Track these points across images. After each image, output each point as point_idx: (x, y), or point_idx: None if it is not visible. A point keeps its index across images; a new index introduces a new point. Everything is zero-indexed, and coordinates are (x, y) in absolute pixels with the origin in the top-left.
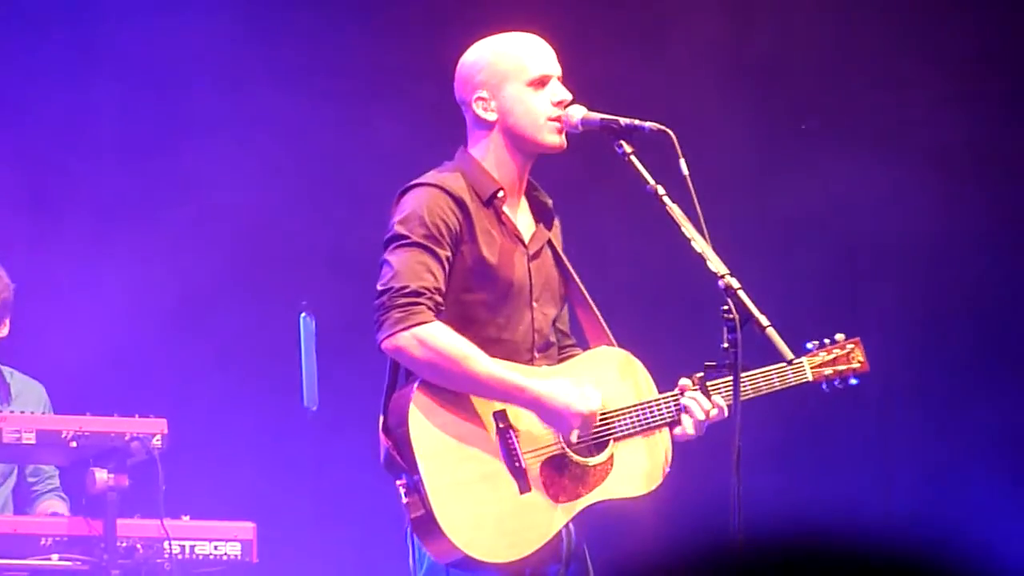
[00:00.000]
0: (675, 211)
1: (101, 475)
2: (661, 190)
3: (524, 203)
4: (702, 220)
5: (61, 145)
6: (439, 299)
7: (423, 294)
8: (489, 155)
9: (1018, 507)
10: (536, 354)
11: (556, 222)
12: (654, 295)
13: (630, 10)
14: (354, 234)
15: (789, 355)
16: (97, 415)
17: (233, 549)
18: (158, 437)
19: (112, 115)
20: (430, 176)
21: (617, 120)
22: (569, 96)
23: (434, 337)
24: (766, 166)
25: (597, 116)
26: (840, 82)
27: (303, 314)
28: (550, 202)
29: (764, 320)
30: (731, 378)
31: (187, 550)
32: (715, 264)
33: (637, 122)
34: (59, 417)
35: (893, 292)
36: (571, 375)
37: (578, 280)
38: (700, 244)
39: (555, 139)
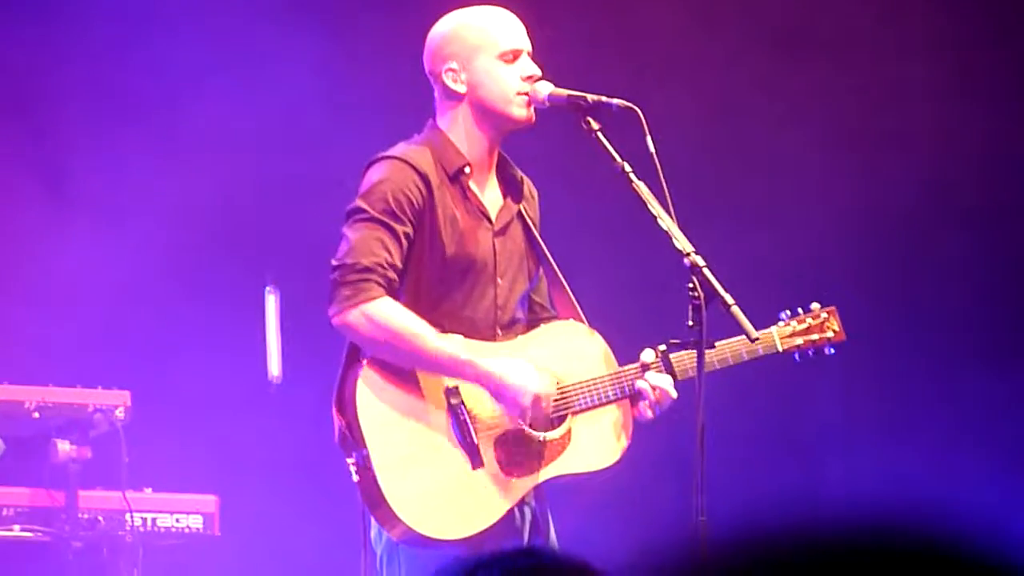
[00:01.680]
0: (642, 189)
1: (63, 446)
2: (628, 167)
3: (493, 178)
4: (668, 198)
5: (24, 124)
6: (392, 275)
7: (374, 270)
8: (457, 128)
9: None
10: (499, 331)
11: (532, 194)
12: (621, 271)
13: None
14: (323, 205)
15: (754, 334)
16: (60, 386)
17: (195, 522)
18: (121, 409)
19: (81, 90)
20: (397, 149)
21: (584, 96)
22: (539, 72)
23: (382, 313)
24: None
25: (564, 92)
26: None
27: (268, 287)
28: (520, 175)
29: (729, 298)
30: (693, 349)
31: (149, 522)
32: (681, 242)
33: (604, 99)
34: (22, 388)
35: (864, 269)
36: (530, 348)
37: (549, 255)
38: (666, 222)
39: (523, 112)
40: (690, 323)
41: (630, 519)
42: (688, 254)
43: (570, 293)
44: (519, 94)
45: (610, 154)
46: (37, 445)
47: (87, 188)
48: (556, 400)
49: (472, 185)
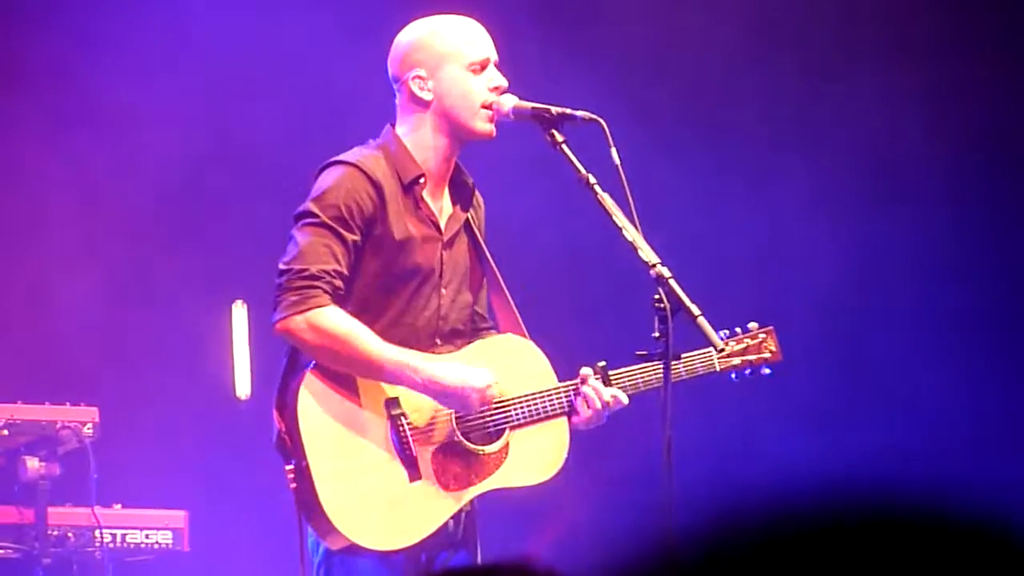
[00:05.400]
0: (606, 200)
1: (32, 463)
2: (592, 179)
3: (445, 186)
4: (633, 209)
5: None
6: (338, 283)
7: (321, 277)
8: (417, 136)
9: None
10: (438, 341)
11: (478, 201)
12: (584, 283)
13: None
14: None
15: (720, 344)
16: (28, 403)
17: (165, 538)
18: (89, 426)
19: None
20: (353, 154)
21: (549, 109)
22: (505, 83)
23: (326, 320)
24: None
25: (529, 105)
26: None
27: (236, 303)
28: (471, 181)
29: (695, 309)
30: (632, 368)
31: (118, 539)
32: (646, 253)
33: (569, 111)
34: None
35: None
36: (469, 361)
37: (494, 264)
38: (631, 233)
39: (486, 127)
40: (656, 334)
41: (602, 531)
42: (654, 265)
43: (512, 304)
44: (484, 107)
45: (574, 166)
46: (6, 462)
47: (51, 200)
48: (495, 413)
49: (425, 195)
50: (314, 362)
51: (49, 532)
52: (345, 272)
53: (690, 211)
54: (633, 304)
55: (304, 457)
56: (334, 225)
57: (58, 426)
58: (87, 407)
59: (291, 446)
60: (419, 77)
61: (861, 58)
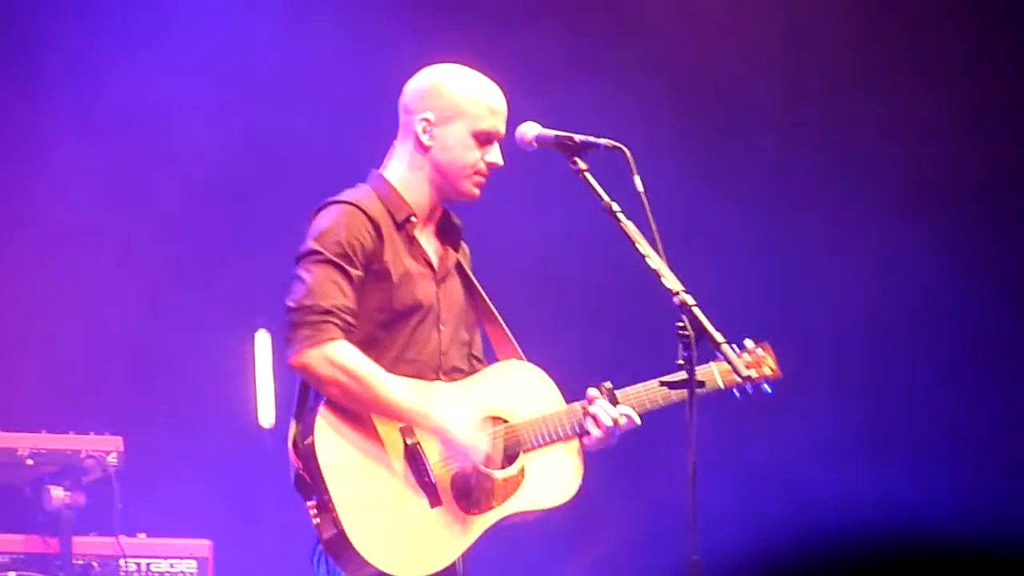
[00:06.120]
0: (630, 228)
1: (57, 493)
2: (616, 207)
3: (432, 225)
4: (657, 237)
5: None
6: (350, 319)
7: (333, 313)
8: (408, 177)
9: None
10: (442, 376)
11: (465, 250)
12: (607, 310)
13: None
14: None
15: (745, 373)
16: (53, 433)
17: (189, 567)
18: (114, 455)
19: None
20: (347, 195)
21: (571, 137)
22: (502, 162)
23: (340, 356)
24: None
25: (552, 133)
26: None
27: (259, 331)
28: (459, 223)
29: (719, 336)
30: (638, 387)
31: (143, 568)
32: (670, 281)
33: (592, 139)
34: (14, 435)
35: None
36: (480, 388)
37: (486, 297)
38: (655, 261)
39: (473, 192)
40: (680, 361)
41: (623, 557)
42: (678, 293)
43: (509, 334)
44: (476, 173)
45: (597, 193)
46: (31, 492)
47: (80, 231)
48: (509, 437)
49: (417, 233)
50: (324, 399)
51: (74, 561)
52: (354, 307)
53: (717, 233)
54: (657, 331)
55: (326, 491)
56: (339, 262)
57: (83, 455)
58: (111, 436)
59: (311, 482)
60: (427, 120)
61: (892, 78)
